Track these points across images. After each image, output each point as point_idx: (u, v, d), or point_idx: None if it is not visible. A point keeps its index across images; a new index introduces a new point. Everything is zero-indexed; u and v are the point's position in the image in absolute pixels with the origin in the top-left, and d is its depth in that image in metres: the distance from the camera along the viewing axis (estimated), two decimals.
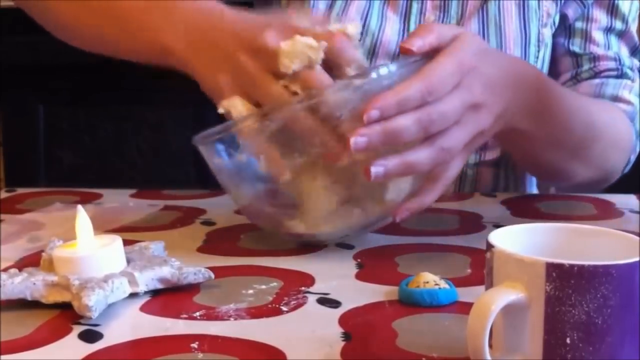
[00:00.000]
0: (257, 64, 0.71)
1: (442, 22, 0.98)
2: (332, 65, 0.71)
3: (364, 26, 0.97)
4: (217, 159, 0.73)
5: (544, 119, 0.82)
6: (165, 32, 0.77)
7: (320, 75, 0.69)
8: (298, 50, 0.69)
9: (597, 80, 1.01)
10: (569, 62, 1.03)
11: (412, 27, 0.98)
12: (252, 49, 0.71)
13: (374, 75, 0.69)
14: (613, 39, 1.02)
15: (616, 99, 0.99)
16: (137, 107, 1.96)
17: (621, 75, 1.01)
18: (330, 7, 0.98)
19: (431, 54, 0.70)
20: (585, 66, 1.02)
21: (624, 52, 1.03)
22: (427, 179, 0.73)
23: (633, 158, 1.00)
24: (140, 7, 0.80)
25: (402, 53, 0.70)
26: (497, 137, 0.82)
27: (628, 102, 0.99)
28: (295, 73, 0.69)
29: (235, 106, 0.71)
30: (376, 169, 0.67)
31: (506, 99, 0.75)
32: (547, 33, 1.00)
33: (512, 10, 0.98)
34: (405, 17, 0.99)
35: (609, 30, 1.02)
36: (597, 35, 1.02)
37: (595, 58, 1.01)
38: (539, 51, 0.99)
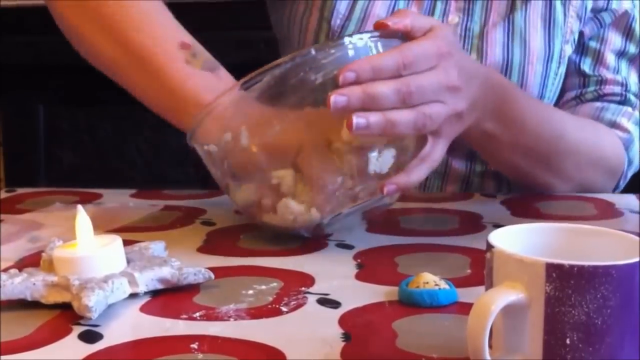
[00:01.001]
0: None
1: (466, 26, 0.98)
2: None
3: None
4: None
5: (508, 122, 0.84)
6: (198, 98, 0.78)
7: None
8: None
9: (598, 104, 1.01)
10: (576, 81, 1.03)
11: None
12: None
13: (346, 41, 0.71)
14: (624, 64, 1.02)
15: (614, 125, 0.99)
16: (137, 107, 1.95)
17: (624, 102, 1.01)
18: (352, 7, 0.98)
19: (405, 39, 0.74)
20: (591, 87, 1.02)
21: (633, 77, 1.03)
22: (415, 157, 0.74)
23: (622, 183, 1.01)
24: (188, 73, 0.80)
25: (375, 28, 0.73)
26: (467, 137, 0.83)
27: (625, 130, 0.99)
28: None
29: (285, 177, 0.73)
30: (358, 120, 0.68)
31: (477, 90, 0.77)
32: (568, 50, 1.00)
33: (537, 24, 0.97)
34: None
35: (621, 54, 1.02)
36: (609, 58, 1.02)
37: (602, 81, 1.02)
38: (558, 68, 0.99)
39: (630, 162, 1.00)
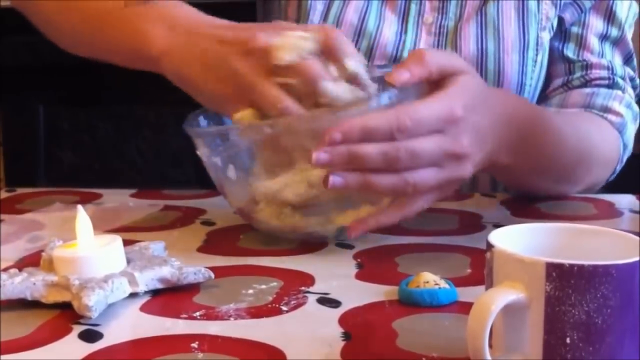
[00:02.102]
0: (251, 66, 0.71)
1: (440, 24, 0.98)
2: (330, 59, 0.72)
3: (361, 27, 0.97)
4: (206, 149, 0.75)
5: (528, 154, 0.82)
6: (152, 39, 0.78)
7: (313, 64, 0.71)
8: (291, 42, 0.70)
9: (587, 90, 1.01)
10: (562, 68, 1.03)
11: (410, 28, 0.98)
12: (244, 52, 0.72)
13: (373, 103, 0.70)
14: (607, 47, 1.02)
15: (606, 109, 0.99)
16: (137, 107, 1.96)
17: (612, 85, 1.01)
18: (328, 7, 0.98)
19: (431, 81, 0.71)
20: (577, 73, 1.02)
21: (617, 60, 1.03)
22: (391, 203, 0.73)
23: (619, 167, 1.01)
24: (126, 12, 0.81)
25: (387, 84, 0.71)
26: (481, 170, 0.82)
27: (617, 114, 0.99)
28: (290, 66, 0.70)
29: (245, 118, 0.72)
30: (334, 179, 0.67)
31: (490, 146, 0.74)
32: (546, 37, 1.00)
33: (511, 13, 0.98)
34: (404, 18, 0.98)
35: (604, 37, 1.02)
36: (592, 42, 1.02)
37: (588, 66, 1.01)
38: (537, 55, 0.99)
39: (625, 146, 1.00)
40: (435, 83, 0.71)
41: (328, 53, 0.72)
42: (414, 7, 0.98)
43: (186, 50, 0.76)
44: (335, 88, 0.71)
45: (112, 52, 0.84)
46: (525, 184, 0.91)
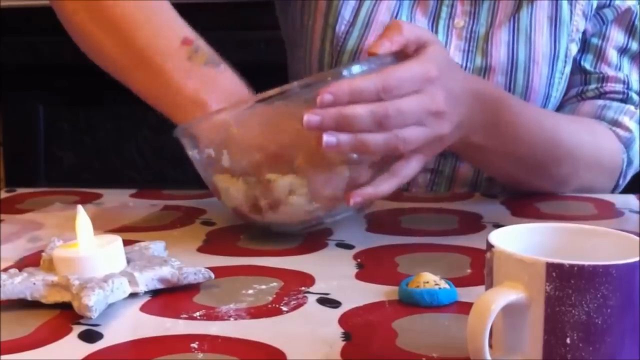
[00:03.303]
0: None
1: (472, 29, 0.97)
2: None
3: None
4: (195, 150, 0.77)
5: (499, 133, 0.84)
6: (198, 93, 0.79)
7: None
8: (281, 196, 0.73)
9: (600, 102, 1.00)
10: (578, 78, 1.02)
11: (441, 31, 0.97)
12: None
13: (345, 73, 0.72)
14: (626, 60, 1.02)
15: (615, 123, 0.99)
16: (137, 107, 1.95)
17: (626, 100, 1.00)
18: (359, 5, 0.98)
19: (400, 55, 0.74)
20: (592, 85, 1.01)
21: (635, 75, 1.02)
22: (386, 171, 0.74)
23: (622, 183, 1.01)
24: (188, 69, 0.80)
25: (369, 55, 0.74)
26: (456, 149, 0.83)
27: (626, 129, 0.99)
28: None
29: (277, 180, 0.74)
30: (328, 138, 0.69)
31: (464, 111, 0.77)
32: (574, 49, 0.99)
33: (543, 23, 0.97)
34: (434, 21, 0.98)
35: (623, 50, 1.01)
36: (611, 55, 1.01)
37: (603, 78, 1.01)
38: (565, 67, 0.98)
39: (630, 162, 0.99)
40: (407, 54, 0.75)
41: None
42: (445, 10, 0.98)
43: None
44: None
45: (147, 95, 0.85)
46: (498, 170, 0.91)
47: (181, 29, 0.83)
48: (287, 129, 0.73)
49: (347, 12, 0.98)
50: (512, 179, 0.93)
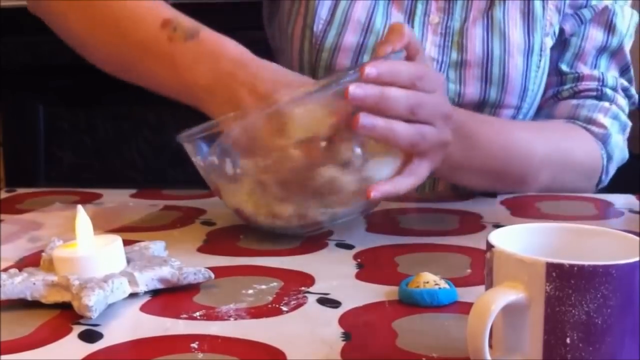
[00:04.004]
0: (266, 127, 0.72)
1: (446, 25, 0.98)
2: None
3: (368, 24, 0.97)
4: (199, 156, 0.76)
5: (475, 152, 0.86)
6: (195, 80, 0.79)
7: (314, 149, 0.72)
8: (307, 121, 0.72)
9: (574, 101, 1.02)
10: (554, 80, 1.04)
11: (416, 28, 0.98)
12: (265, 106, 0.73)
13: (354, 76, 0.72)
14: (603, 58, 1.03)
15: (590, 121, 1.01)
16: (137, 107, 1.96)
17: (600, 97, 1.02)
18: (336, 2, 0.98)
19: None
20: (567, 85, 1.03)
21: (612, 72, 1.04)
22: (403, 170, 0.75)
23: (605, 178, 1.02)
24: (172, 48, 0.81)
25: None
26: (440, 171, 0.84)
27: (601, 125, 1.00)
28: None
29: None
30: (364, 119, 0.70)
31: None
32: (549, 43, 1.00)
33: (517, 17, 0.98)
34: (410, 18, 0.99)
35: (602, 49, 1.03)
36: (589, 54, 1.03)
37: (578, 77, 1.03)
38: (540, 60, 0.99)
39: (609, 157, 1.01)
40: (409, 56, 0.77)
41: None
42: (420, 7, 0.99)
43: (227, 95, 0.77)
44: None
45: (150, 84, 0.85)
46: (478, 186, 0.93)
47: (158, 9, 0.84)
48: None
49: (323, 12, 0.99)
50: (490, 190, 0.95)
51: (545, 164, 0.93)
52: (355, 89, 0.69)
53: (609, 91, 1.02)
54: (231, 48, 0.80)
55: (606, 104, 1.02)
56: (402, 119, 0.72)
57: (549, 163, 0.94)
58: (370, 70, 0.70)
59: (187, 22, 0.82)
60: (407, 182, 0.75)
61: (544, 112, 1.04)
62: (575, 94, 1.02)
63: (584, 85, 1.02)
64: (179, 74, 0.80)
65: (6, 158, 2.09)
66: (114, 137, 2.01)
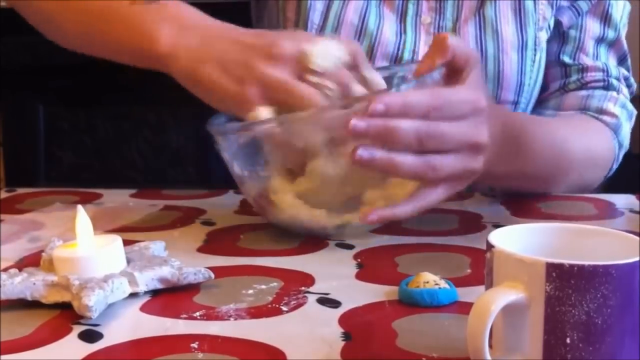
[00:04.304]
0: (282, 71, 0.73)
1: (438, 25, 0.99)
2: (353, 70, 0.75)
3: (361, 27, 0.97)
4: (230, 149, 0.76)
5: (517, 161, 0.84)
6: (161, 37, 0.78)
7: (346, 71, 0.74)
8: (327, 50, 0.73)
9: (583, 92, 1.02)
10: (558, 72, 1.04)
11: (409, 28, 0.98)
12: (270, 57, 0.73)
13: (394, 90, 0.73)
14: (602, 49, 1.04)
15: (601, 111, 1.01)
16: (137, 107, 1.96)
17: (607, 87, 1.02)
18: (328, 6, 0.98)
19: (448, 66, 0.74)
20: (574, 77, 1.03)
21: (612, 61, 1.04)
22: (408, 195, 0.74)
23: (615, 166, 1.02)
24: (133, 10, 0.81)
25: (415, 77, 0.75)
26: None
27: (612, 115, 1.00)
28: (321, 74, 0.73)
29: (263, 116, 0.73)
30: (362, 152, 0.68)
31: (495, 146, 0.75)
32: (543, 37, 1.01)
33: (508, 13, 0.99)
34: (402, 18, 0.99)
35: (600, 39, 1.03)
36: (589, 45, 1.03)
37: (583, 69, 1.03)
38: (535, 55, 1.00)
39: (621, 145, 1.01)
40: (455, 68, 0.74)
41: (353, 64, 0.75)
42: (411, 8, 0.99)
43: (202, 50, 0.76)
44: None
45: (117, 51, 0.84)
46: (513, 187, 0.93)
47: None
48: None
49: (316, 17, 0.98)
50: (519, 190, 0.93)
51: (576, 161, 0.92)
52: (357, 122, 0.67)
53: (614, 81, 1.03)
54: (196, 12, 0.80)
55: (614, 93, 1.02)
56: (410, 150, 0.70)
57: (579, 161, 0.93)
58: (378, 106, 0.67)
59: None
60: (407, 208, 0.73)
61: (550, 104, 1.04)
62: (583, 86, 1.02)
63: (590, 76, 1.02)
64: (141, 35, 0.79)
65: (6, 158, 2.09)
66: (114, 137, 2.01)
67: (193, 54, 0.76)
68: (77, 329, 0.57)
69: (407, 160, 0.70)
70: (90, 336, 0.56)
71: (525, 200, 0.92)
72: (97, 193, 0.98)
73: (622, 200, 0.93)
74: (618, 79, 1.03)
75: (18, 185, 1.05)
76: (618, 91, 1.03)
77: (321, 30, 0.98)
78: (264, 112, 0.72)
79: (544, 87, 1.04)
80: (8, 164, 2.09)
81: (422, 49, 0.98)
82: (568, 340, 0.45)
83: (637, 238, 0.49)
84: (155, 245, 0.69)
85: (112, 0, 0.83)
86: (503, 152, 0.78)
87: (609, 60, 1.04)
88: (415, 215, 0.74)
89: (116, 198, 0.96)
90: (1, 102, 2.03)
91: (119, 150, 2.01)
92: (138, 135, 1.98)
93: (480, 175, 0.77)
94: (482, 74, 0.77)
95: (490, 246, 0.48)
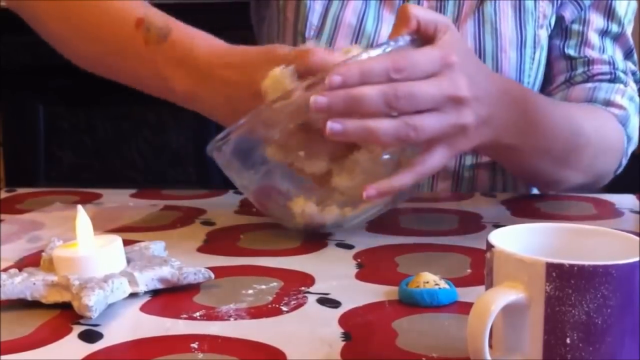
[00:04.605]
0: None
1: None
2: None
3: (360, 28, 0.97)
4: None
5: (529, 132, 0.82)
6: (173, 83, 0.81)
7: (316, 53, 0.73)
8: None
9: (590, 84, 1.01)
10: (564, 65, 1.03)
11: None
12: (250, 95, 0.74)
13: (364, 55, 0.70)
14: (608, 42, 1.03)
15: (609, 103, 0.99)
16: (137, 107, 1.96)
17: (614, 79, 1.01)
18: (327, 7, 0.98)
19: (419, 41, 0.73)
20: (579, 69, 1.02)
21: (618, 55, 1.03)
22: (403, 166, 0.72)
23: (624, 161, 1.01)
24: (147, 50, 0.82)
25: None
26: (484, 150, 0.82)
27: (620, 107, 0.99)
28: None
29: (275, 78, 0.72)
30: (332, 125, 0.67)
31: (492, 108, 0.75)
32: (543, 34, 1.00)
33: (507, 11, 0.98)
34: None
35: (604, 33, 1.02)
36: (593, 38, 1.02)
37: (589, 61, 1.02)
38: (534, 53, 0.99)
39: (629, 139, 1.00)
40: (427, 39, 0.73)
41: (315, 69, 0.72)
42: None
43: (206, 96, 0.79)
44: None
45: (136, 84, 0.87)
46: (530, 167, 0.90)
47: (132, 8, 0.85)
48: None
49: (314, 18, 0.98)
50: (538, 174, 0.91)
51: (588, 143, 0.91)
52: (317, 99, 0.66)
53: (621, 74, 1.02)
54: (202, 48, 0.80)
55: (621, 86, 1.01)
56: (382, 116, 0.68)
57: (592, 142, 0.91)
58: (334, 78, 0.66)
59: (158, 19, 0.82)
60: (405, 178, 0.71)
61: (557, 97, 1.02)
62: (589, 78, 1.01)
63: (596, 68, 1.01)
64: (161, 77, 0.82)
65: (6, 158, 2.09)
66: (114, 137, 2.01)
67: (201, 99, 0.80)
68: (77, 329, 0.57)
69: (382, 124, 0.68)
70: (90, 336, 0.56)
71: (525, 200, 0.92)
72: (97, 193, 0.99)
73: (622, 200, 0.93)
74: (625, 72, 1.02)
75: (18, 185, 1.05)
76: (625, 84, 1.01)
77: (319, 31, 0.98)
78: (276, 74, 0.72)
79: (550, 81, 1.03)
80: (8, 164, 2.09)
81: None
82: (568, 340, 0.45)
83: (637, 238, 0.49)
84: (155, 245, 0.69)
85: (124, 29, 0.84)
86: (511, 118, 0.77)
87: (615, 53, 1.03)
88: (418, 183, 0.74)
89: (116, 198, 0.96)
90: (1, 102, 2.03)
91: (119, 150, 2.01)
92: (138, 135, 1.98)
93: (496, 148, 0.78)
94: (460, 38, 0.75)
95: (490, 246, 0.48)
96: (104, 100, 1.98)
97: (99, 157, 2.03)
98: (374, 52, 0.70)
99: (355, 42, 0.97)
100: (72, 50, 0.92)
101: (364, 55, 0.69)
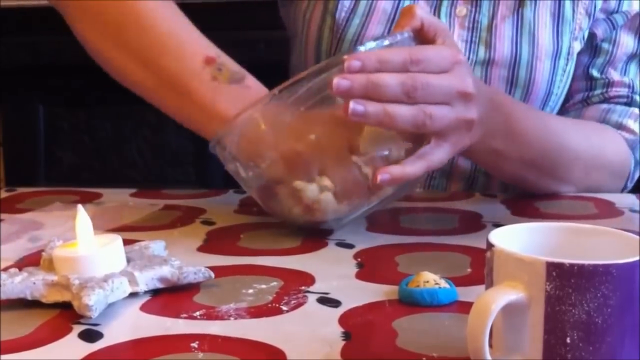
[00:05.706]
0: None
1: (474, 18, 0.97)
2: None
3: (394, 15, 0.96)
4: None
5: (513, 139, 0.83)
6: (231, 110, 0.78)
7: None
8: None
9: (604, 106, 1.01)
10: (584, 84, 1.03)
11: (443, 19, 0.97)
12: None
13: (361, 49, 0.72)
14: (633, 66, 1.02)
15: (620, 126, 0.99)
16: (137, 107, 1.95)
17: (630, 103, 1.01)
18: (356, 2, 0.97)
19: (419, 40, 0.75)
20: (598, 90, 1.02)
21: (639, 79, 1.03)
22: (414, 153, 0.74)
23: (630, 184, 1.01)
24: (208, 88, 0.81)
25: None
26: (471, 154, 0.83)
27: (631, 131, 1.00)
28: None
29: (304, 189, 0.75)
30: (355, 105, 0.68)
31: (485, 107, 0.76)
32: (577, 47, 0.99)
33: (546, 18, 0.97)
34: (437, 7, 0.97)
35: (633, 55, 1.02)
36: (619, 60, 1.02)
37: (609, 83, 1.02)
38: (567, 64, 0.99)
39: (637, 163, 1.00)
40: (427, 40, 0.75)
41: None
42: None
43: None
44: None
45: (172, 115, 0.86)
46: (514, 175, 0.91)
47: (202, 46, 0.84)
48: (309, 132, 0.74)
49: (347, 0, 0.97)
50: (526, 183, 0.93)
51: (579, 158, 0.91)
52: (340, 81, 0.68)
53: (638, 98, 1.01)
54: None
55: (636, 110, 1.01)
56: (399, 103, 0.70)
57: (582, 157, 0.92)
58: (353, 62, 0.68)
59: (232, 64, 0.82)
60: (417, 166, 0.73)
61: (571, 115, 1.02)
62: (606, 100, 1.02)
63: (614, 91, 1.01)
64: (209, 113, 0.80)
65: (6, 158, 2.09)
66: (114, 137, 2.01)
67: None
68: (77, 329, 0.57)
69: (401, 110, 0.70)
70: (90, 336, 0.56)
71: (525, 200, 0.92)
72: (97, 193, 0.98)
73: (622, 200, 0.93)
74: None
75: (18, 185, 1.05)
76: None
77: (351, 12, 0.97)
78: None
79: (567, 98, 1.03)
80: (8, 164, 2.09)
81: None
82: (568, 340, 0.45)
83: (637, 238, 0.49)
84: (156, 245, 0.69)
85: (190, 66, 0.82)
86: (497, 123, 0.79)
87: (638, 77, 1.03)
88: (425, 174, 0.75)
89: (116, 198, 0.96)
90: (1, 102, 2.03)
91: (119, 150, 2.01)
92: (138, 135, 1.98)
93: (483, 150, 0.79)
94: (456, 45, 0.79)
95: (490, 245, 0.48)
96: (104, 100, 1.98)
97: (99, 157, 2.03)
98: (370, 45, 0.72)
99: (389, 31, 0.96)
100: (118, 71, 0.89)
101: (361, 49, 0.72)
